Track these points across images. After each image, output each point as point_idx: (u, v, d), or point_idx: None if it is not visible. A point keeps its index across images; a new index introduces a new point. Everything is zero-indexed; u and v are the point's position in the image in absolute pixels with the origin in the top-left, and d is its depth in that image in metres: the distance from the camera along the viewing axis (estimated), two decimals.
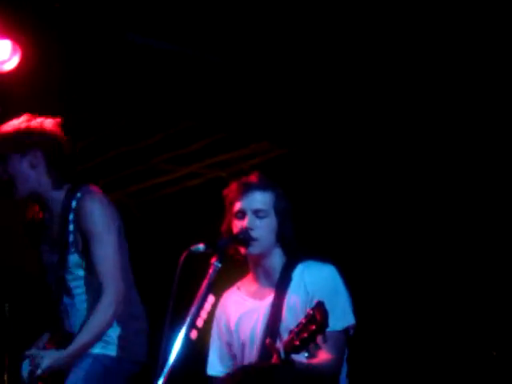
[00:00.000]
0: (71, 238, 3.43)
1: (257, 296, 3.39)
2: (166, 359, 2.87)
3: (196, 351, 3.14)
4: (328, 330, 2.95)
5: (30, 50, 4.08)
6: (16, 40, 4.05)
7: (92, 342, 3.37)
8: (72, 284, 3.47)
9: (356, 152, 5.66)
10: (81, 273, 3.47)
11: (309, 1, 4.48)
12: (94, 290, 3.41)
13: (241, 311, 3.42)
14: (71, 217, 3.44)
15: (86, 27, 4.23)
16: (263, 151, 6.32)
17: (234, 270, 3.50)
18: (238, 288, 3.50)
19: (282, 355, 2.89)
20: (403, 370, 5.34)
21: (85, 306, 3.47)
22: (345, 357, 3.31)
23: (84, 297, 3.48)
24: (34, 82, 4.20)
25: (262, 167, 6.45)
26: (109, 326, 3.38)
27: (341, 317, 3.21)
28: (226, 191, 3.43)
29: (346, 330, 3.27)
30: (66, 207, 3.45)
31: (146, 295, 7.02)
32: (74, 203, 3.46)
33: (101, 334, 3.38)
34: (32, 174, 3.46)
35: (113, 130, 5.77)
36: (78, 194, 3.47)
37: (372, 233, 5.68)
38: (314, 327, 2.86)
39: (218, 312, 3.51)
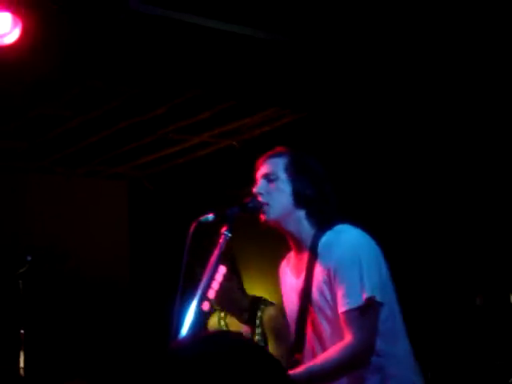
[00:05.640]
0: None
1: (294, 272, 3.17)
2: (177, 332, 2.83)
3: None
4: (345, 309, 2.87)
5: (31, 22, 3.98)
6: (16, 13, 3.96)
7: None
8: None
9: (366, 117, 5.58)
10: None
11: None
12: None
13: (285, 287, 3.25)
14: None
15: None
16: (273, 118, 6.26)
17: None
18: (288, 259, 3.28)
19: None
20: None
21: None
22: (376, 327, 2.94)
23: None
24: (36, 55, 4.12)
25: (272, 134, 6.45)
26: None
27: (355, 292, 2.90)
28: None
29: (366, 305, 2.90)
30: None
31: (159, 268, 6.99)
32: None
33: None
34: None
35: (119, 102, 5.70)
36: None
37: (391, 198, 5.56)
38: None
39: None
